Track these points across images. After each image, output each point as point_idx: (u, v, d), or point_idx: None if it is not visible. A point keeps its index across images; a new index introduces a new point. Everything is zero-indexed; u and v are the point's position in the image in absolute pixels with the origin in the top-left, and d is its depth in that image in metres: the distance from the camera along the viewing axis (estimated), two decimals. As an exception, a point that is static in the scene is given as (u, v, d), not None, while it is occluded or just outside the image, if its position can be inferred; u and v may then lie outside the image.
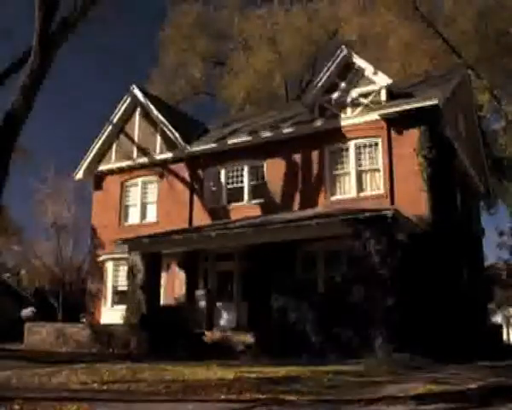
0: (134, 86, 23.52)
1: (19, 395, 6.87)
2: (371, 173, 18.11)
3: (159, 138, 22.57)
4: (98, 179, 23.99)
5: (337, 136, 18.67)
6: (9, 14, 27.35)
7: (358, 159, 18.31)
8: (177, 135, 21.78)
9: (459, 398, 7.24)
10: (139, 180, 22.89)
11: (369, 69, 18.50)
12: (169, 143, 22.12)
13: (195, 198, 21.28)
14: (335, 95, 18.96)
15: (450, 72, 21.09)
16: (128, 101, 23.40)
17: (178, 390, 7.79)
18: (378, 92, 18.26)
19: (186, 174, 21.66)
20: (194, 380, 9.02)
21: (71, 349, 18.29)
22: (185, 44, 39.14)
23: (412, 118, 17.30)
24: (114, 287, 22.13)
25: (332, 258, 17.19)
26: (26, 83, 15.95)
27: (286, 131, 19.77)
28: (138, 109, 23.37)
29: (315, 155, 18.99)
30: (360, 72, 18.62)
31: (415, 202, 16.55)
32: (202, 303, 18.65)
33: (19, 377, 9.58)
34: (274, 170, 19.71)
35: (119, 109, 23.55)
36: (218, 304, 19.23)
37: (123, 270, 20.75)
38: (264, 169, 19.99)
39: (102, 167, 23.78)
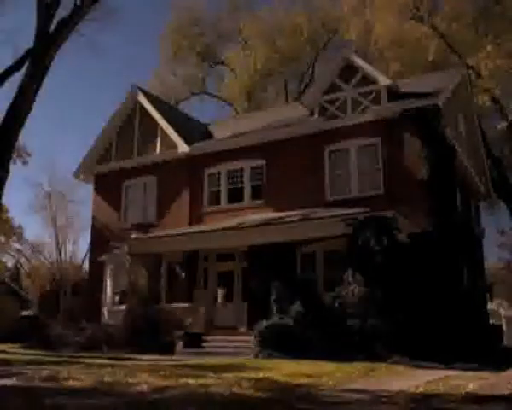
0: (134, 86, 23.59)
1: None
2: (371, 173, 18.09)
3: (159, 138, 22.56)
4: (98, 179, 23.98)
5: (337, 136, 18.67)
6: (9, 14, 27.34)
7: (358, 159, 18.30)
8: (176, 135, 21.79)
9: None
10: (139, 180, 22.87)
11: (368, 69, 18.53)
12: (169, 144, 22.11)
13: (195, 198, 21.25)
14: (335, 95, 18.96)
15: (450, 72, 21.09)
16: (128, 101, 23.44)
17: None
18: (378, 92, 18.26)
19: (186, 174, 21.63)
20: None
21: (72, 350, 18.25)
22: (185, 44, 39.17)
23: (412, 118, 17.30)
24: (114, 287, 22.09)
25: (332, 258, 17.17)
26: (25, 83, 15.97)
27: (286, 131, 19.77)
28: (138, 109, 23.38)
29: (315, 154, 18.98)
30: (360, 72, 18.63)
31: (415, 202, 16.53)
32: (202, 303, 18.65)
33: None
34: (274, 170, 19.69)
35: (120, 109, 23.59)
36: (218, 304, 19.21)
37: (123, 270, 20.70)
38: (264, 169, 19.98)
39: (103, 167, 23.77)
